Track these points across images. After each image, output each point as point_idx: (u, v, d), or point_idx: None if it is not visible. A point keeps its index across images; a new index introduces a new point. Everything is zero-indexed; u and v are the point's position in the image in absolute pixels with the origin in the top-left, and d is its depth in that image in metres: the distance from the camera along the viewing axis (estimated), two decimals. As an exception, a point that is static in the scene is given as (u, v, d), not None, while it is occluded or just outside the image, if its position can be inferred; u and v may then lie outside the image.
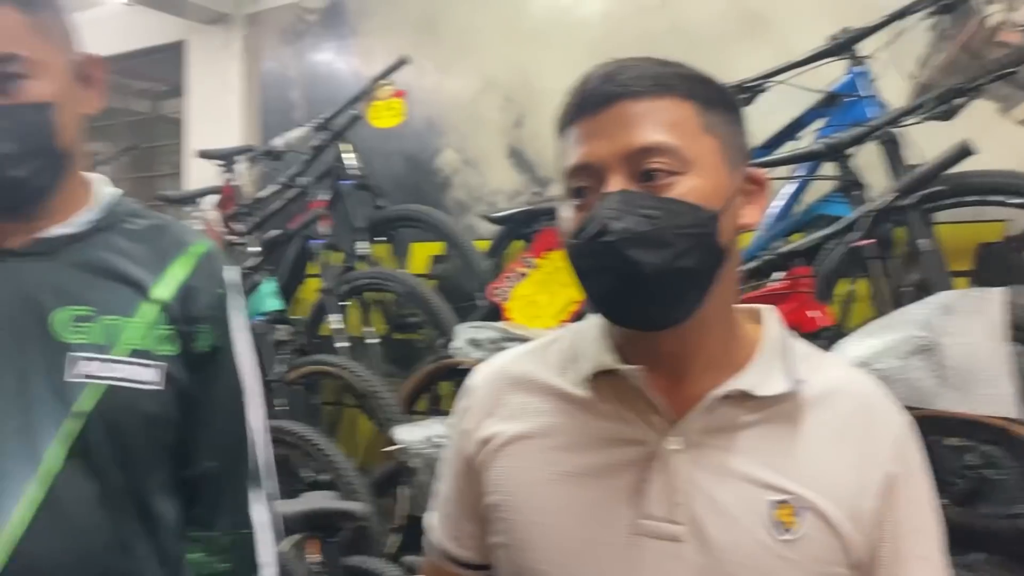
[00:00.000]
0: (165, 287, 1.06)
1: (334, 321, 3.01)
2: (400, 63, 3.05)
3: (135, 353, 1.01)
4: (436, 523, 1.04)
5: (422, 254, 3.35)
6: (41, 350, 0.97)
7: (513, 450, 0.91)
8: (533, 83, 3.08)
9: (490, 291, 2.36)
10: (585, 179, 0.83)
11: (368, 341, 3.07)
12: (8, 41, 0.94)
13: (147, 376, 1.02)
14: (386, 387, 2.72)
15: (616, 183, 0.80)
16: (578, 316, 2.28)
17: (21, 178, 0.97)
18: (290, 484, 2.55)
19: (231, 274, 1.14)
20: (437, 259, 3.34)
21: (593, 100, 0.82)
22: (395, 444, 2.14)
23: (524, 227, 2.74)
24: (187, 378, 1.06)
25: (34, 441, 0.95)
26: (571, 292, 2.29)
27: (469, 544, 0.99)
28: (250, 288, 3.05)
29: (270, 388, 2.80)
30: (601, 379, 0.88)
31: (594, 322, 0.93)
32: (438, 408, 2.92)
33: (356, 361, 2.85)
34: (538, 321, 2.27)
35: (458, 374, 2.65)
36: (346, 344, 2.99)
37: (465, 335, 2.17)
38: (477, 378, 1.00)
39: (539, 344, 0.99)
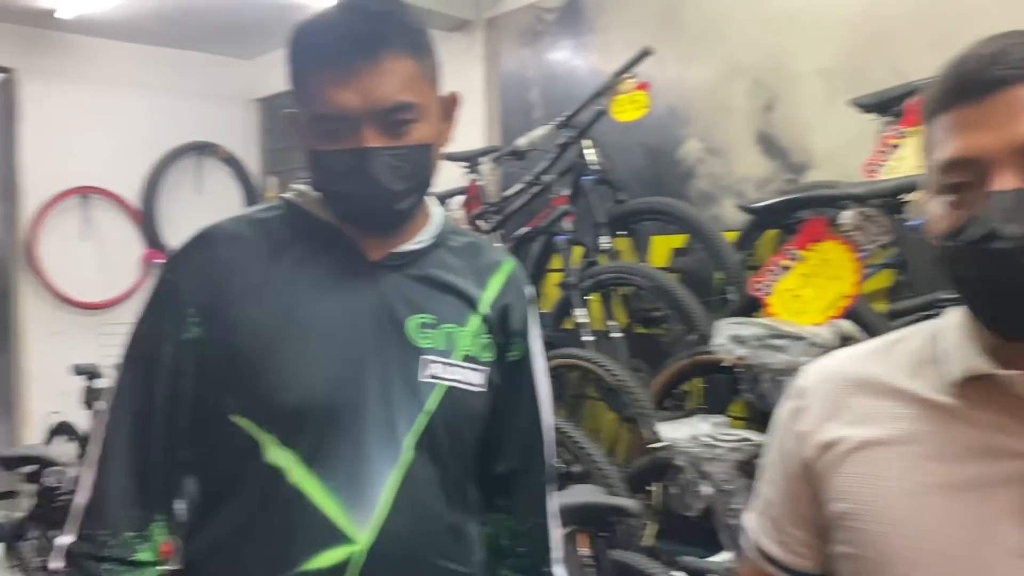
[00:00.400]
0: (486, 301, 1.19)
1: (579, 315, 3.04)
2: (643, 55, 3.02)
3: (467, 358, 1.14)
4: (756, 525, 1.01)
5: (662, 247, 3.31)
6: (398, 351, 1.10)
7: (865, 457, 0.85)
8: (786, 66, 2.94)
9: (751, 285, 2.27)
10: (963, 174, 0.75)
11: (613, 335, 3.08)
12: (405, 90, 1.05)
13: (475, 379, 1.15)
14: (636, 381, 2.72)
15: (1006, 180, 0.72)
16: (849, 312, 2.14)
17: (404, 210, 1.10)
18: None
19: (530, 289, 1.27)
20: (678, 252, 3.28)
21: (975, 85, 0.74)
22: (656, 440, 2.11)
23: (782, 217, 2.61)
24: (499, 383, 1.19)
25: (395, 432, 1.08)
26: (840, 286, 2.15)
27: (799, 551, 0.95)
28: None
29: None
30: (971, 385, 0.80)
31: (953, 322, 0.85)
32: (681, 404, 2.88)
33: (595, 352, 2.87)
34: (804, 317, 2.16)
35: (713, 370, 2.59)
36: (591, 338, 3.01)
37: (727, 331, 2.10)
38: (810, 379, 0.95)
39: (880, 344, 0.93)
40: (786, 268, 2.25)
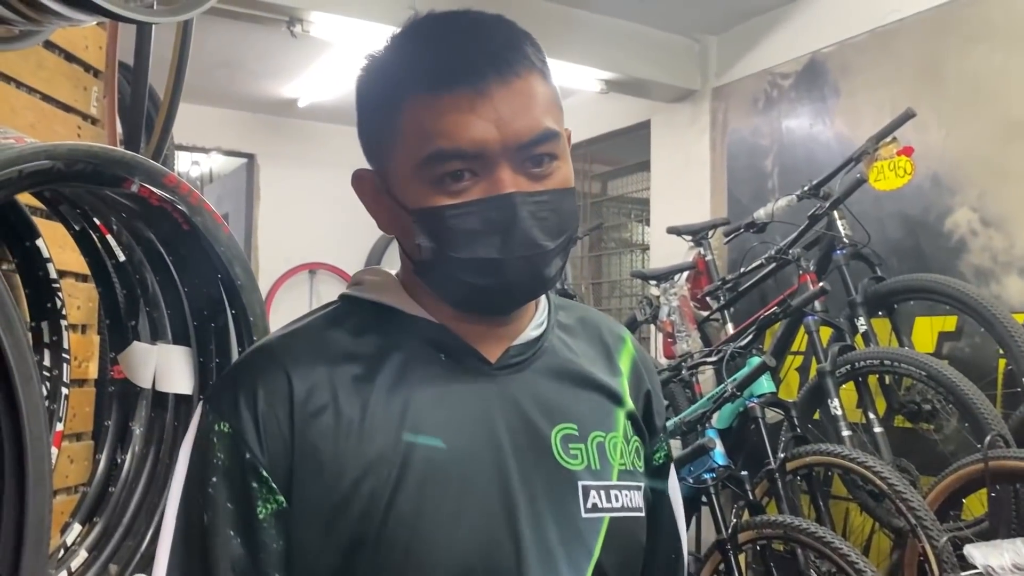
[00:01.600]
0: (626, 389, 0.92)
1: (834, 406, 2.71)
2: (906, 116, 2.71)
3: (623, 474, 0.87)
4: None
5: (927, 330, 2.92)
6: (546, 481, 0.82)
7: None
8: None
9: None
10: None
11: (875, 430, 2.71)
12: (545, 114, 0.79)
13: (636, 501, 0.88)
14: (909, 487, 2.34)
15: None
16: None
17: (551, 278, 0.81)
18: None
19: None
20: (947, 336, 2.88)
21: None
22: (966, 566, 1.76)
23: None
24: (650, 497, 0.92)
25: None
26: None
27: None
28: (733, 367, 2.89)
29: (771, 478, 2.57)
30: None
31: None
32: (959, 516, 2.46)
33: (860, 451, 2.52)
34: None
35: (1018, 480, 2.19)
36: (848, 433, 2.67)
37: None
38: None
39: None
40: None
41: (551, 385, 0.86)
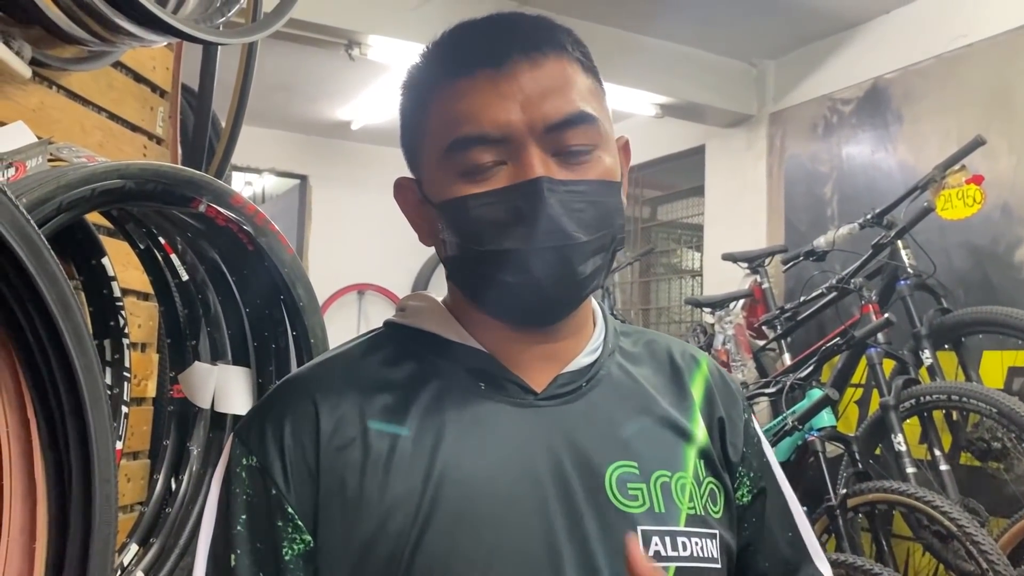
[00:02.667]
0: (698, 422, 0.82)
1: (898, 442, 2.61)
2: (976, 144, 2.63)
3: (692, 520, 0.76)
4: None
5: (996, 365, 2.81)
6: (600, 524, 0.73)
7: None
8: None
9: None
10: None
11: (941, 468, 2.60)
12: (579, 97, 0.72)
13: (709, 550, 0.77)
14: (980, 528, 2.24)
15: None
16: None
17: (587, 278, 0.73)
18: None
19: (738, 386, 0.90)
20: (1016, 371, 2.78)
21: None
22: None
23: None
24: (733, 544, 0.82)
25: None
26: None
27: None
28: (792, 399, 2.81)
29: (831, 515, 2.48)
30: None
31: None
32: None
33: (926, 490, 2.42)
34: None
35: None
36: (913, 470, 2.57)
37: None
38: None
39: None
40: None
41: (607, 418, 0.78)
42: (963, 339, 2.77)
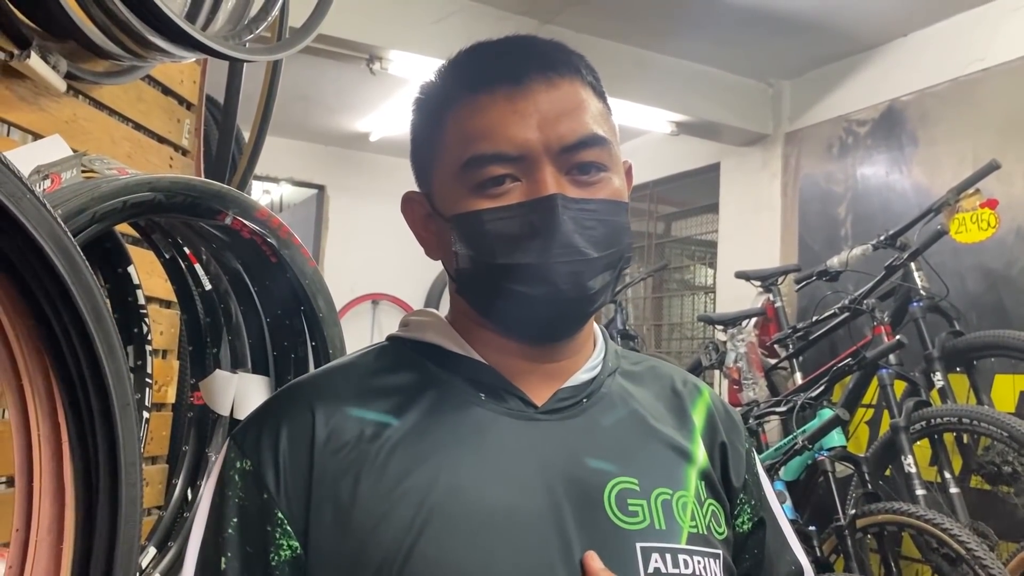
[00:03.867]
0: (699, 445, 0.82)
1: (908, 464, 2.61)
2: (990, 168, 2.65)
3: (694, 538, 0.76)
4: None
5: (1008, 388, 2.81)
6: (594, 535, 0.72)
7: None
8: None
9: None
10: None
11: (951, 490, 2.61)
12: (592, 120, 0.75)
13: (712, 570, 0.76)
14: (989, 552, 2.24)
15: None
16: None
17: (596, 294, 0.74)
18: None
19: (740, 417, 0.90)
20: (1028, 395, 2.78)
21: None
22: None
23: None
24: (735, 569, 0.81)
25: None
26: None
27: None
28: (803, 418, 2.82)
29: (840, 535, 2.49)
30: None
31: None
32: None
33: (935, 512, 2.42)
34: None
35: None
36: (923, 492, 2.57)
37: None
38: None
39: None
40: None
41: (608, 434, 0.77)
42: (975, 362, 2.78)
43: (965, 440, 2.69)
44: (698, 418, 0.85)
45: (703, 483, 0.80)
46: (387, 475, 0.71)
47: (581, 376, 0.80)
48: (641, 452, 0.78)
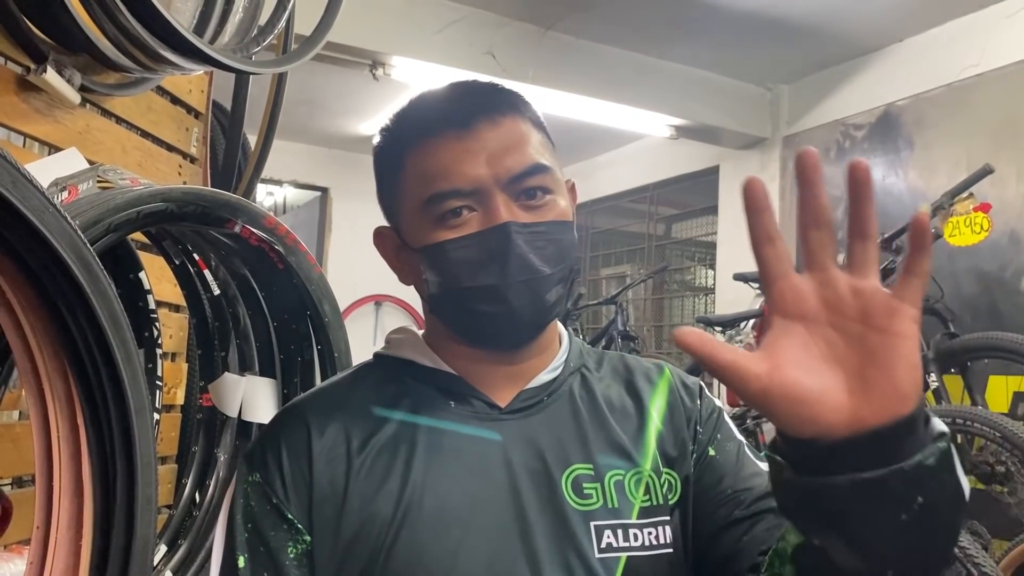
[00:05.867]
0: (654, 424, 0.90)
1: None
2: (984, 173, 2.69)
3: (645, 511, 0.85)
4: None
5: (1002, 389, 2.85)
6: (555, 523, 0.82)
7: None
8: None
9: None
10: None
11: (945, 490, 2.64)
12: (534, 151, 0.84)
13: (662, 538, 0.85)
14: (981, 550, 2.28)
15: None
16: None
17: (552, 304, 0.85)
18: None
19: (696, 379, 0.97)
20: (1021, 396, 2.81)
21: None
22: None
23: None
24: (691, 525, 0.87)
25: None
26: None
27: None
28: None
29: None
30: None
31: None
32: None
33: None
34: None
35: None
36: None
37: None
38: None
39: None
40: None
41: (566, 427, 0.87)
42: (969, 363, 2.81)
43: (959, 440, 2.73)
44: (660, 397, 0.93)
45: (660, 456, 0.88)
46: (372, 478, 0.83)
47: (544, 377, 0.90)
48: (595, 440, 0.87)
